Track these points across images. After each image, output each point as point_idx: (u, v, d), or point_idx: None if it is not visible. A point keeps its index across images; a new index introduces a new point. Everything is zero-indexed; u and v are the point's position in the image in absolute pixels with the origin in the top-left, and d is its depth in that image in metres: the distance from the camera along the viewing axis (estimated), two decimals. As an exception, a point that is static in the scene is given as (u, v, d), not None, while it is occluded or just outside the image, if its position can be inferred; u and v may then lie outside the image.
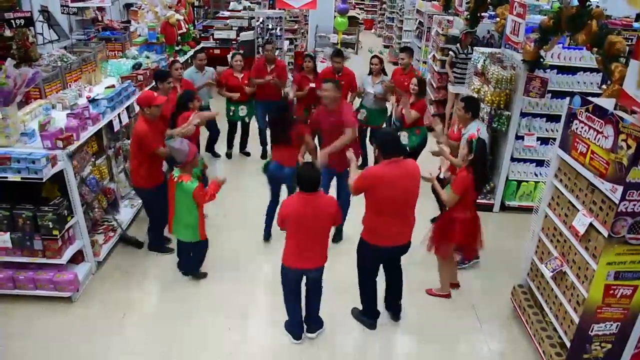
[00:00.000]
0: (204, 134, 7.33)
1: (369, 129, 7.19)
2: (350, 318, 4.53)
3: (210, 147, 7.73)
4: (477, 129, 4.94)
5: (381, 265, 4.32)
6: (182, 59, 8.37)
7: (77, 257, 4.74)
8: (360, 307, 4.51)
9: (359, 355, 4.24)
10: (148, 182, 4.92)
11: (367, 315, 4.46)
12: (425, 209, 5.94)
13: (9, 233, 4.32)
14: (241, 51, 8.24)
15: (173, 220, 4.59)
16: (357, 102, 7.36)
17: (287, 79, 7.12)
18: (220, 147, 7.82)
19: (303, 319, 4.26)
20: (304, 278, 4.08)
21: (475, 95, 6.26)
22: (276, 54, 9.59)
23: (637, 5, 3.30)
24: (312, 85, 6.89)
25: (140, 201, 6.02)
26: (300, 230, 3.82)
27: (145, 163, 4.84)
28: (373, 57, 7.07)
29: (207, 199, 4.47)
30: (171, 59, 7.28)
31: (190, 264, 4.93)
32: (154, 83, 6.13)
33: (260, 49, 9.98)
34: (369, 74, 7.04)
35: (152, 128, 4.78)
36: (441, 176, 5.48)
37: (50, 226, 4.28)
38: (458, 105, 5.39)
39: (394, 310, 4.54)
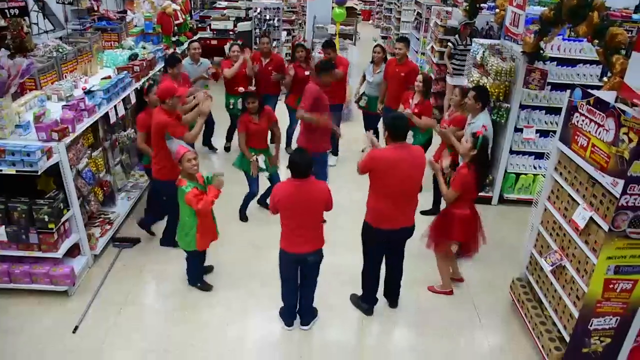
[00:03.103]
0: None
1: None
2: (347, 311, 4.53)
3: (207, 141, 7.64)
4: (483, 126, 4.89)
5: None
6: (179, 50, 8.29)
7: (73, 251, 4.71)
8: (359, 294, 4.54)
9: (357, 348, 4.22)
10: (170, 174, 4.76)
11: (365, 301, 4.49)
12: (427, 203, 5.93)
13: (4, 226, 4.28)
14: (239, 42, 8.14)
15: (178, 225, 4.52)
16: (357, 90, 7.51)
17: (287, 73, 7.03)
18: (216, 141, 7.72)
19: (297, 309, 4.30)
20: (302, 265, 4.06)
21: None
22: (273, 45, 9.51)
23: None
24: (307, 73, 6.89)
25: (137, 194, 6.01)
26: (291, 215, 3.85)
27: (167, 154, 4.73)
28: (376, 46, 7.30)
29: (199, 205, 4.10)
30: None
31: (190, 275, 4.77)
32: (156, 70, 6.05)
33: (258, 40, 9.90)
34: (371, 62, 7.25)
35: (172, 117, 4.74)
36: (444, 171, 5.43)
37: (46, 219, 4.24)
38: (468, 94, 5.24)
39: (392, 297, 4.57)
